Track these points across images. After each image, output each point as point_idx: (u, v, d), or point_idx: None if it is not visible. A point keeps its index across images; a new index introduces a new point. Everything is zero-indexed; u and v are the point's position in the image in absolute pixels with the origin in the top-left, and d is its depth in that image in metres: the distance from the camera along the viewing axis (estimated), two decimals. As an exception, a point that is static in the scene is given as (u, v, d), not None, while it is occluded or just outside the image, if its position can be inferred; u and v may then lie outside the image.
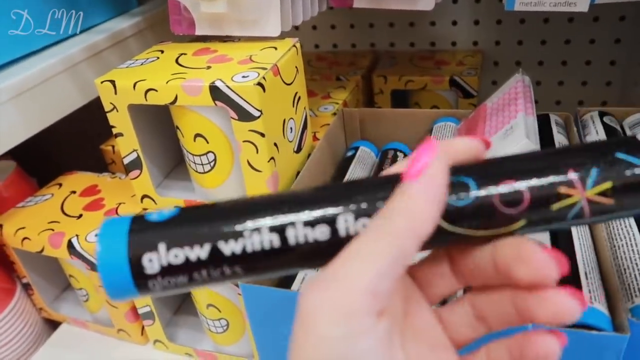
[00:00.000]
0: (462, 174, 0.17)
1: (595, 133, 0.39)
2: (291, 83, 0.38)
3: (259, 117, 0.33)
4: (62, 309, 0.48)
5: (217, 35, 0.42)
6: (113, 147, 0.53)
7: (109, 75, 0.36)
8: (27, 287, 0.46)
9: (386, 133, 0.49)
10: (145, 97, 0.35)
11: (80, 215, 0.42)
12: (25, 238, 0.41)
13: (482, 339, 0.19)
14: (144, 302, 0.40)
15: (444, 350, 0.19)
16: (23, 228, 0.41)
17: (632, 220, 0.30)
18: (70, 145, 0.79)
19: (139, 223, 0.17)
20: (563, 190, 0.16)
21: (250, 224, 0.17)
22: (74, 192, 0.46)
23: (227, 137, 0.36)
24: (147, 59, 0.39)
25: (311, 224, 0.17)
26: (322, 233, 0.17)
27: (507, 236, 0.17)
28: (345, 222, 0.17)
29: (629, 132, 0.40)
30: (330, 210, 0.17)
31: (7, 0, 0.40)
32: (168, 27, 0.58)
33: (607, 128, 0.39)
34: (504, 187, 0.17)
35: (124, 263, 0.17)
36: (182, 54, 0.39)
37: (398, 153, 0.46)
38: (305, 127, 0.42)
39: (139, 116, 0.38)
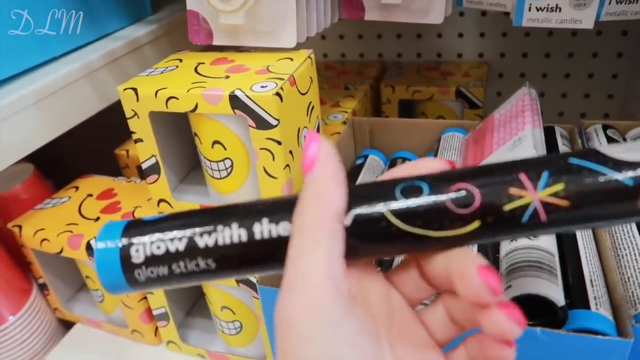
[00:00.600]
0: (418, 179, 0.18)
1: (599, 145, 0.41)
2: (306, 93, 0.39)
3: (276, 125, 0.35)
4: (76, 309, 0.49)
5: (233, 45, 0.43)
6: (127, 151, 0.54)
7: (130, 82, 0.38)
8: (43, 287, 0.47)
9: (395, 142, 0.50)
10: (167, 104, 0.36)
11: (98, 218, 0.43)
12: (44, 239, 0.42)
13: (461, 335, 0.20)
14: (159, 304, 0.41)
15: (429, 349, 0.20)
16: (42, 229, 0.43)
17: (635, 230, 0.31)
18: (84, 149, 0.80)
19: (133, 224, 0.20)
20: (513, 191, 0.17)
21: (221, 222, 0.19)
22: (90, 195, 0.47)
23: (244, 145, 0.37)
24: (167, 67, 0.41)
25: (275, 220, 0.18)
26: (284, 229, 0.18)
27: (467, 242, 0.18)
28: None
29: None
30: (289, 210, 0.18)
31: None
32: (183, 34, 0.59)
33: (611, 140, 0.41)
34: (456, 188, 0.18)
35: (115, 253, 0.19)
36: (200, 63, 0.40)
37: (407, 161, 0.48)
38: (317, 135, 0.43)
39: (158, 123, 0.39)
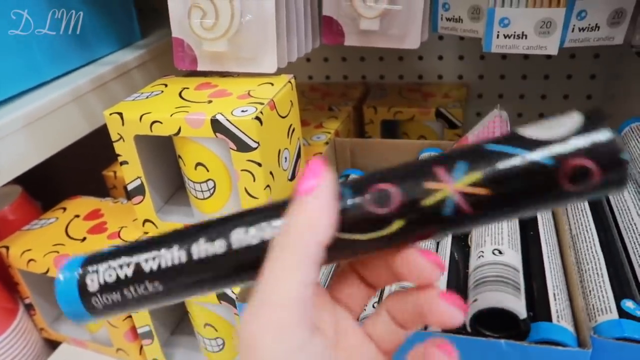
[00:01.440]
0: (340, 185, 0.19)
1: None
2: (286, 116, 0.41)
3: (256, 148, 0.36)
4: (62, 329, 0.49)
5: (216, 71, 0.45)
6: (115, 172, 0.55)
7: (116, 107, 0.39)
8: (29, 307, 0.48)
9: (375, 162, 0.52)
10: (151, 128, 0.37)
11: (85, 238, 0.44)
12: (30, 260, 0.43)
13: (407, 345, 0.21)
14: (144, 322, 0.42)
15: None
16: (29, 250, 0.43)
17: (598, 247, 0.33)
18: (72, 171, 0.81)
19: (92, 257, 0.21)
20: (430, 185, 0.17)
21: (164, 246, 0.20)
22: (77, 215, 0.48)
23: (226, 166, 0.39)
24: (152, 92, 0.42)
25: (211, 239, 0.19)
26: (220, 247, 0.19)
27: (397, 240, 0.18)
28: (237, 234, 0.19)
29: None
30: (226, 229, 0.19)
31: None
32: (170, 59, 0.61)
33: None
34: (374, 190, 0.18)
35: (73, 283, 0.21)
36: (185, 88, 0.42)
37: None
38: (299, 156, 0.45)
39: (143, 145, 0.40)
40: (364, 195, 0.18)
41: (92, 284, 0.20)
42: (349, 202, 0.18)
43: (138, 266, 0.20)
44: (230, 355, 0.41)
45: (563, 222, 0.35)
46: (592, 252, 0.33)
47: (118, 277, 0.20)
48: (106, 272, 0.20)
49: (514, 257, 0.30)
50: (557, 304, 0.29)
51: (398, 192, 0.17)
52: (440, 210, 0.17)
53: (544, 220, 0.36)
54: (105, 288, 0.20)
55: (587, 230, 0.34)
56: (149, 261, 0.20)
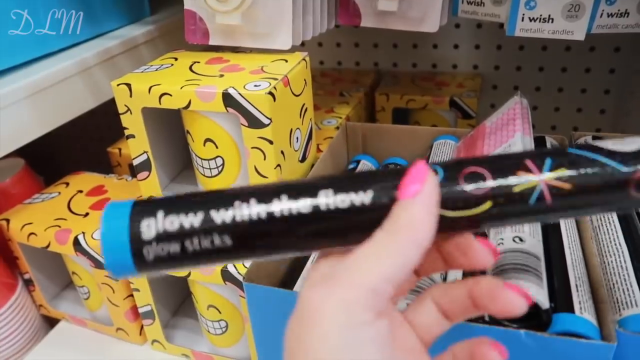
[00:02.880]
0: (433, 164, 0.19)
1: (589, 156, 0.41)
2: (299, 94, 0.39)
3: (268, 124, 0.35)
4: (61, 307, 0.48)
5: (228, 46, 0.43)
6: (120, 150, 0.54)
7: (124, 78, 0.38)
8: (28, 283, 0.47)
9: (387, 148, 0.50)
10: (160, 101, 0.36)
11: (87, 214, 0.43)
12: (31, 233, 0.42)
13: (448, 339, 0.21)
14: (145, 301, 0.41)
15: (417, 354, 0.20)
16: (30, 224, 0.42)
17: (621, 239, 0.32)
18: (75, 147, 0.80)
19: (142, 201, 0.19)
20: (522, 174, 0.18)
21: (240, 199, 0.18)
22: (80, 191, 0.47)
23: (235, 143, 0.37)
24: (162, 65, 0.41)
25: (295, 197, 0.18)
26: (304, 206, 0.18)
27: (480, 223, 0.19)
28: (326, 196, 0.18)
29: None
30: (312, 188, 0.18)
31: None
32: (179, 36, 0.59)
33: (600, 152, 0.41)
34: (468, 171, 0.19)
35: (124, 228, 0.18)
36: (195, 62, 0.41)
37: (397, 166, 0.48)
38: (310, 137, 0.43)
39: (151, 120, 0.39)
40: (459, 175, 0.19)
41: (148, 231, 0.18)
42: (444, 179, 0.19)
43: (208, 216, 0.18)
44: (233, 339, 0.40)
45: (584, 214, 0.34)
46: (615, 244, 0.31)
47: (182, 225, 0.18)
48: (167, 219, 0.18)
49: (535, 245, 0.29)
50: (580, 295, 0.27)
51: (491, 176, 0.18)
52: (527, 197, 0.18)
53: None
54: (163, 236, 0.18)
55: (609, 222, 0.33)
56: (221, 211, 0.18)
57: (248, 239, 0.18)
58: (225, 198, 0.18)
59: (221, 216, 0.18)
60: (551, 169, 0.18)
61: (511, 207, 0.19)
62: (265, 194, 0.18)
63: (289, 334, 0.18)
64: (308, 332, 0.17)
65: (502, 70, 0.66)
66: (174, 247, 0.18)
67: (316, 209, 0.18)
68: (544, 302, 0.25)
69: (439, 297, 0.21)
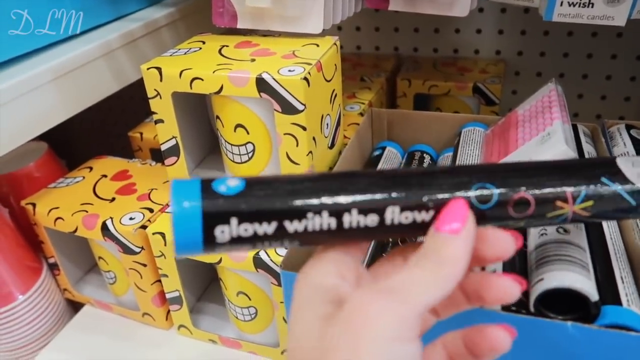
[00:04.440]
0: (489, 183, 0.20)
1: (623, 145, 0.40)
2: (331, 80, 0.39)
3: (302, 111, 0.34)
4: (86, 291, 0.48)
5: (254, 30, 0.43)
6: (141, 134, 0.54)
7: (154, 62, 0.37)
8: (53, 267, 0.47)
9: (412, 135, 0.50)
10: (191, 85, 0.36)
11: (113, 199, 0.43)
12: (58, 218, 0.42)
13: (437, 330, 0.22)
14: (174, 287, 0.40)
15: None
16: (56, 208, 0.42)
17: (662, 230, 0.31)
18: (93, 131, 0.80)
19: (209, 192, 0.19)
20: (559, 203, 0.20)
21: (313, 208, 0.19)
22: (105, 175, 0.46)
23: (267, 129, 0.37)
24: (190, 48, 0.40)
25: (364, 212, 0.19)
26: (372, 221, 0.19)
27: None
28: (392, 213, 0.19)
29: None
30: (380, 200, 0.19)
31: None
32: (199, 18, 0.59)
33: (634, 140, 0.40)
34: (517, 198, 0.20)
35: (198, 232, 0.18)
36: (224, 46, 0.40)
37: (424, 155, 0.47)
38: (339, 124, 0.43)
39: (179, 104, 0.39)
40: (509, 201, 0.20)
41: (223, 236, 0.19)
42: (496, 204, 0.20)
43: (281, 227, 0.19)
44: (261, 326, 0.40)
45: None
46: (657, 235, 0.31)
47: (256, 233, 0.19)
48: (241, 226, 0.19)
49: (580, 235, 0.28)
50: (625, 287, 0.27)
51: (534, 203, 0.20)
52: (554, 219, 0.21)
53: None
54: (237, 240, 0.19)
55: (650, 213, 0.33)
56: (295, 222, 0.19)
57: (314, 242, 0.20)
58: (301, 208, 0.19)
59: (294, 227, 0.19)
60: (582, 201, 0.20)
61: (539, 224, 0.22)
62: (336, 204, 0.19)
63: (330, 330, 0.18)
64: (357, 334, 0.17)
65: (525, 56, 0.64)
66: (246, 246, 0.19)
67: (382, 223, 0.20)
68: (593, 294, 0.25)
69: (449, 341, 0.22)
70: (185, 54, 0.39)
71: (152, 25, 0.51)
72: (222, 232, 0.18)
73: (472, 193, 0.20)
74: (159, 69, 0.36)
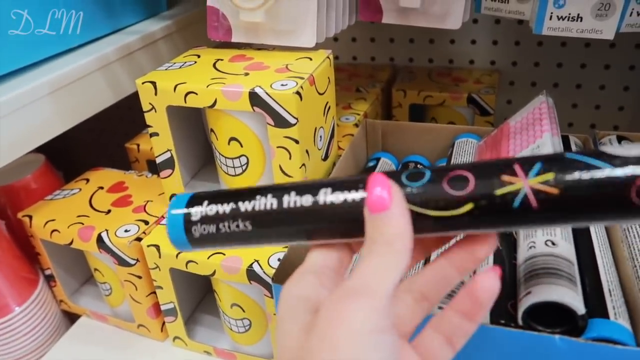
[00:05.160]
0: (423, 168, 0.21)
1: (614, 156, 0.41)
2: (324, 93, 0.39)
3: (295, 124, 0.35)
4: (82, 302, 0.48)
5: (249, 43, 0.43)
6: (138, 145, 0.54)
7: (149, 76, 0.38)
8: (49, 278, 0.47)
9: (407, 146, 0.50)
10: (185, 99, 0.36)
11: (109, 211, 0.43)
12: (54, 230, 0.42)
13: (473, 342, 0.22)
14: (168, 299, 0.41)
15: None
16: (52, 220, 0.42)
17: (652, 242, 0.31)
18: (91, 143, 0.80)
19: (197, 195, 0.24)
20: (506, 177, 0.18)
21: (262, 193, 0.22)
22: (101, 187, 0.47)
23: (261, 142, 0.37)
24: (185, 62, 0.40)
25: (299, 193, 0.22)
26: (306, 201, 0.21)
27: (462, 224, 0.20)
28: (325, 194, 0.21)
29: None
30: (316, 183, 0.22)
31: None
32: (196, 31, 0.59)
33: (625, 152, 0.41)
34: (452, 174, 0.19)
35: (181, 214, 0.23)
36: (218, 60, 0.40)
37: (419, 165, 0.48)
38: (332, 135, 0.43)
39: (174, 118, 0.39)
40: (444, 178, 0.20)
41: (196, 215, 0.23)
42: (429, 180, 0.20)
43: (235, 205, 0.22)
44: (255, 337, 0.40)
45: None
46: (645, 247, 0.31)
47: (217, 212, 0.23)
48: (208, 207, 0.23)
49: (568, 249, 0.29)
50: (613, 300, 0.27)
51: (474, 178, 0.19)
52: (509, 201, 0.18)
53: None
54: (205, 219, 0.23)
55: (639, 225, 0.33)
56: (246, 202, 0.22)
57: (263, 225, 0.22)
58: (251, 193, 0.23)
59: (245, 206, 0.22)
60: (538, 173, 0.18)
61: (494, 210, 0.19)
62: (280, 190, 0.22)
63: (309, 337, 0.19)
64: (333, 335, 0.18)
65: (519, 66, 0.65)
66: (212, 228, 0.23)
67: (316, 203, 0.21)
68: (580, 308, 0.25)
69: (413, 282, 0.22)
70: (180, 67, 0.39)
71: (149, 38, 0.52)
72: (195, 213, 0.23)
73: (403, 175, 0.20)
74: (153, 83, 0.37)
